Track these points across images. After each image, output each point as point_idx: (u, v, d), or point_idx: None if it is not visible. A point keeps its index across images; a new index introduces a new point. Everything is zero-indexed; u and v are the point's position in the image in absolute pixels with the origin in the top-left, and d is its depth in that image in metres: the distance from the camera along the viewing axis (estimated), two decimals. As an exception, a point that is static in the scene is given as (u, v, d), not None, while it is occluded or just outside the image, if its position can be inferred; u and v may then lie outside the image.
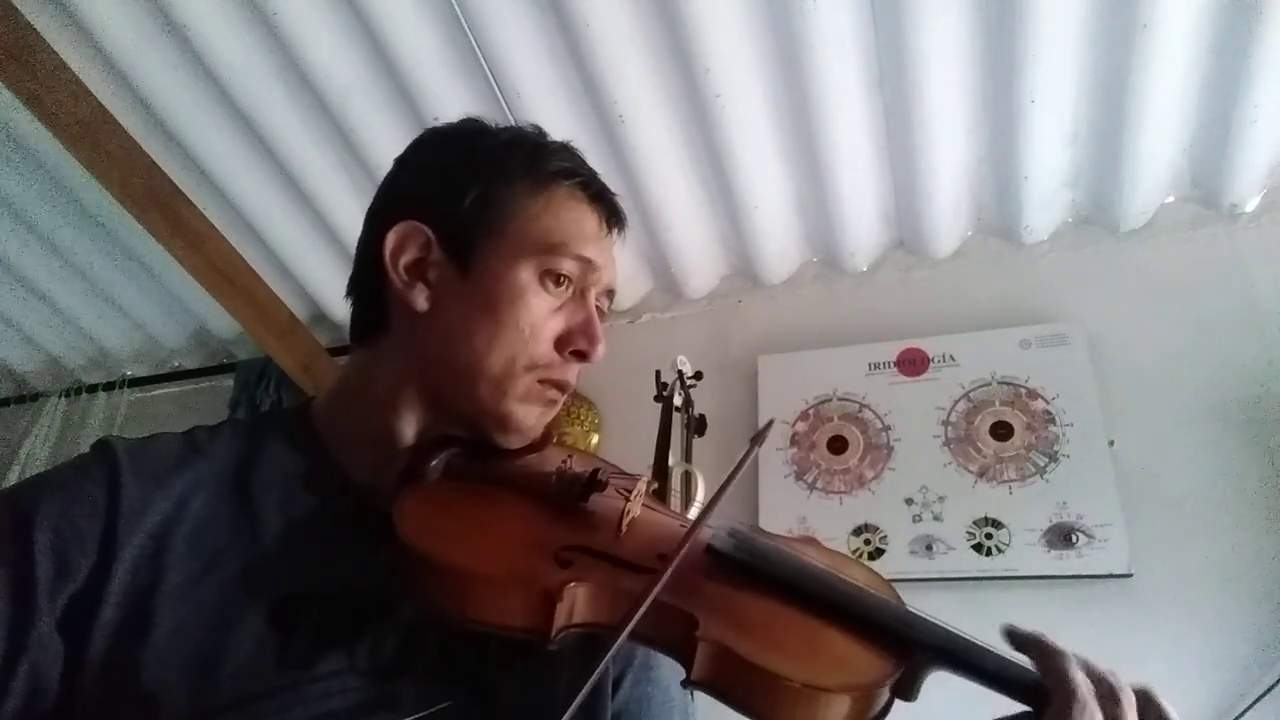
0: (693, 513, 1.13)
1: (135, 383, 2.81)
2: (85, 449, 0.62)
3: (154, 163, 1.91)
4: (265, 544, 0.61)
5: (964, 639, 0.55)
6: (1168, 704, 0.50)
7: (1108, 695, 0.49)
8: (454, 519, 0.61)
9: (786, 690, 0.51)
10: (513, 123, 1.81)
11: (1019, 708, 0.52)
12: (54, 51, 1.69)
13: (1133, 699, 0.50)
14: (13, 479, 2.67)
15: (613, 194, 0.74)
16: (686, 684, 0.53)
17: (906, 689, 0.54)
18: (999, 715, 0.53)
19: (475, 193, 0.67)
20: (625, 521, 0.63)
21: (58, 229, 2.34)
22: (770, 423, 0.62)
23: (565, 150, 0.72)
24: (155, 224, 1.94)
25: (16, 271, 2.52)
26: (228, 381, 2.63)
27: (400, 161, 0.75)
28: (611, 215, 0.73)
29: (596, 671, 0.47)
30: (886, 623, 0.56)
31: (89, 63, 1.74)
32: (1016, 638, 0.53)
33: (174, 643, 0.54)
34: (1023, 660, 0.53)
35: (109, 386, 2.81)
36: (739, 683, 0.52)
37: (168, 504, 0.59)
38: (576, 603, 0.55)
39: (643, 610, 0.49)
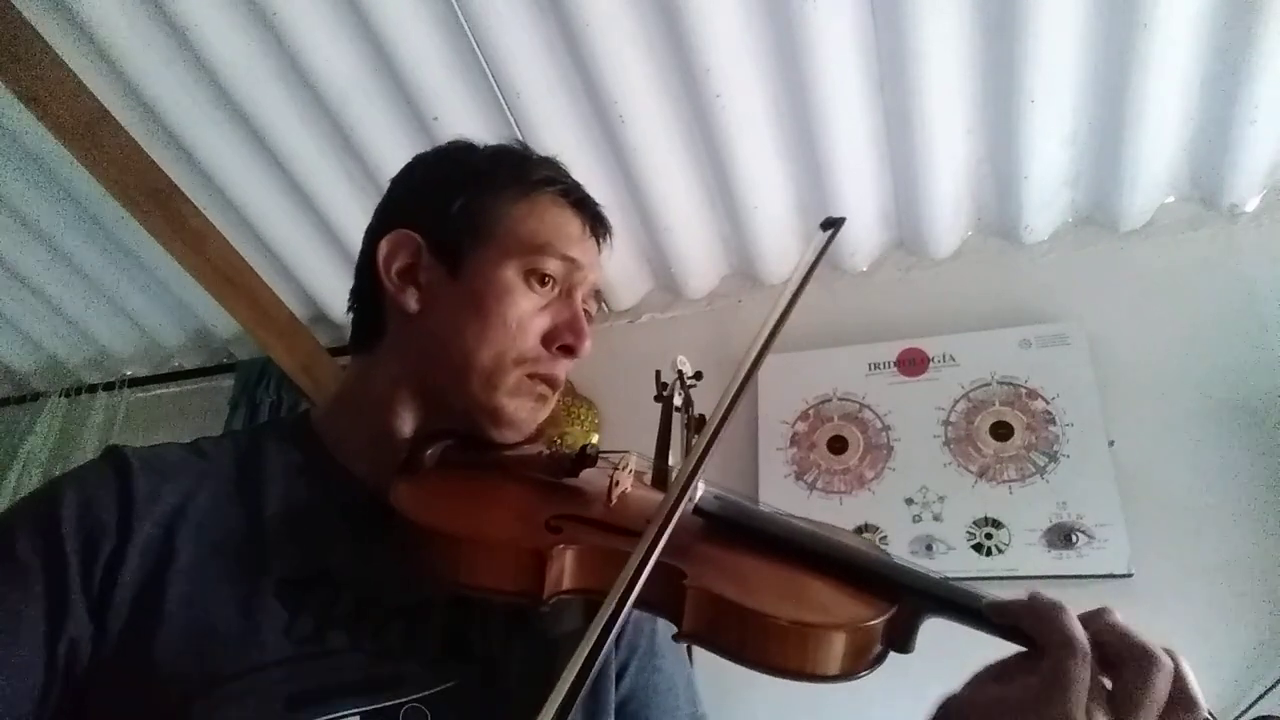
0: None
1: (135, 383, 2.81)
2: (85, 449, 0.64)
3: (154, 162, 1.91)
4: (271, 529, 0.63)
5: (951, 584, 0.54)
6: (1191, 678, 0.47)
7: (1143, 663, 0.46)
8: (449, 493, 0.63)
9: (774, 629, 0.51)
10: (513, 122, 1.82)
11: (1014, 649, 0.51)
12: (54, 51, 1.69)
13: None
14: (12, 479, 2.67)
15: (596, 203, 0.77)
16: (679, 637, 0.53)
17: (901, 639, 0.54)
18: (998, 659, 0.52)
19: (462, 201, 0.70)
20: (615, 493, 0.64)
21: (58, 229, 2.35)
22: (844, 219, 0.66)
23: (549, 162, 0.76)
24: (155, 224, 1.94)
25: (16, 271, 2.52)
26: (228, 381, 2.63)
27: (394, 182, 0.78)
28: (595, 222, 0.76)
29: (597, 637, 0.45)
30: (875, 570, 0.57)
31: (89, 62, 1.74)
32: (1005, 614, 0.51)
33: (184, 616, 0.56)
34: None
35: (109, 386, 2.81)
36: (729, 629, 0.52)
37: (175, 498, 0.61)
38: (568, 565, 0.56)
39: (648, 569, 0.48)
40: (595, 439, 2.16)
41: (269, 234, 2.15)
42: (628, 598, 0.47)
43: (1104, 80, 1.60)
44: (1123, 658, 0.47)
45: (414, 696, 0.57)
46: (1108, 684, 0.47)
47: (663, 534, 0.50)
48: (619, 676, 0.71)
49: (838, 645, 0.51)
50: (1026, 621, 0.49)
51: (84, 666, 0.55)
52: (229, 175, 1.99)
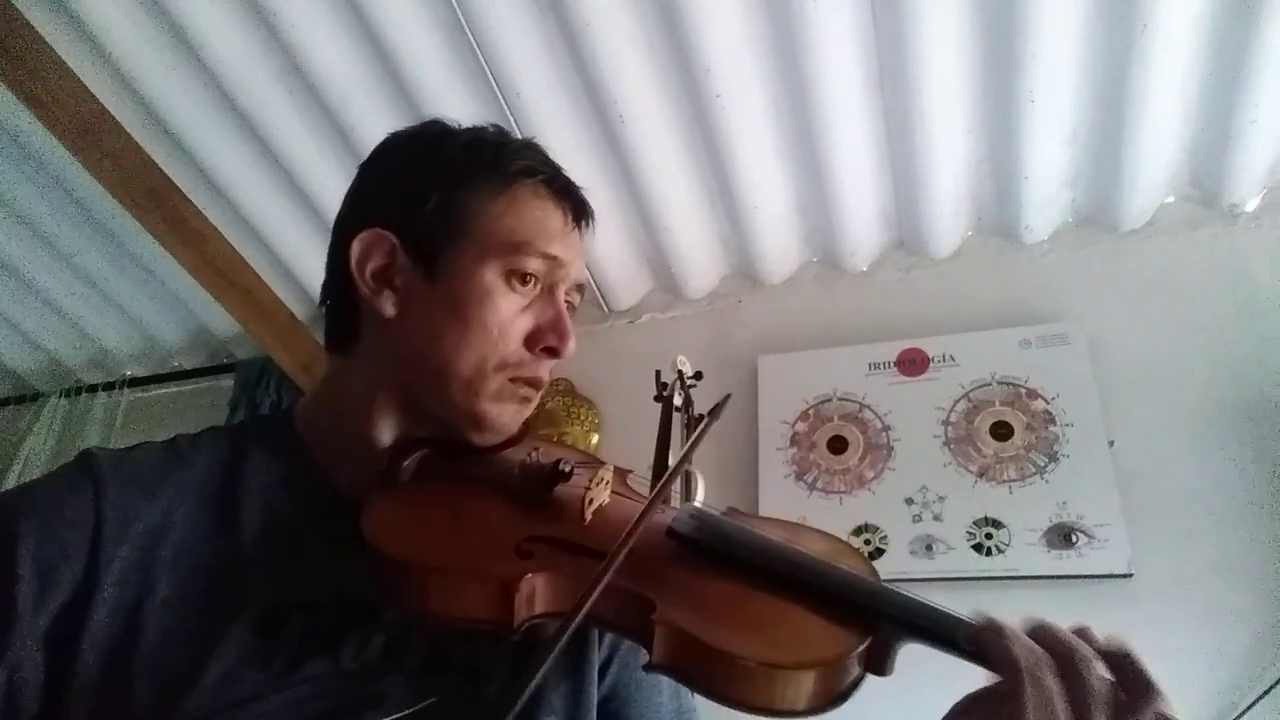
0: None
1: (135, 383, 2.81)
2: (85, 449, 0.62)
3: (154, 163, 1.92)
4: (249, 552, 0.61)
5: (930, 609, 0.53)
6: (1146, 665, 0.47)
7: (1068, 666, 0.47)
8: (419, 518, 0.62)
9: (741, 670, 0.50)
10: (513, 122, 1.81)
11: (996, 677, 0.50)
12: (54, 51, 1.69)
13: (1103, 670, 0.47)
14: (12, 479, 2.67)
15: (578, 188, 0.73)
16: (648, 668, 0.53)
17: (877, 663, 0.53)
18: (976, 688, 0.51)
19: (438, 197, 0.67)
20: (589, 510, 0.63)
21: (58, 229, 2.34)
22: (728, 396, 0.66)
23: (527, 148, 0.72)
24: (155, 224, 1.94)
25: (17, 271, 2.52)
26: (228, 381, 2.63)
27: (364, 168, 0.74)
28: (577, 209, 0.72)
29: (550, 657, 0.47)
30: (849, 596, 0.55)
31: (89, 63, 1.74)
32: (972, 642, 0.50)
33: (163, 652, 0.54)
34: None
35: (109, 386, 2.81)
36: (697, 665, 0.52)
37: (152, 516, 0.59)
38: (537, 592, 0.55)
39: (596, 593, 0.49)
40: (595, 439, 2.16)
41: (269, 234, 2.15)
42: (570, 623, 0.47)
43: (1104, 80, 1.60)
44: (1056, 659, 0.47)
45: (393, 717, 0.56)
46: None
47: (610, 568, 0.50)
48: (601, 674, 0.70)
49: (808, 683, 0.51)
50: (984, 650, 0.49)
51: (39, 700, 0.53)
52: (229, 175, 1.99)
